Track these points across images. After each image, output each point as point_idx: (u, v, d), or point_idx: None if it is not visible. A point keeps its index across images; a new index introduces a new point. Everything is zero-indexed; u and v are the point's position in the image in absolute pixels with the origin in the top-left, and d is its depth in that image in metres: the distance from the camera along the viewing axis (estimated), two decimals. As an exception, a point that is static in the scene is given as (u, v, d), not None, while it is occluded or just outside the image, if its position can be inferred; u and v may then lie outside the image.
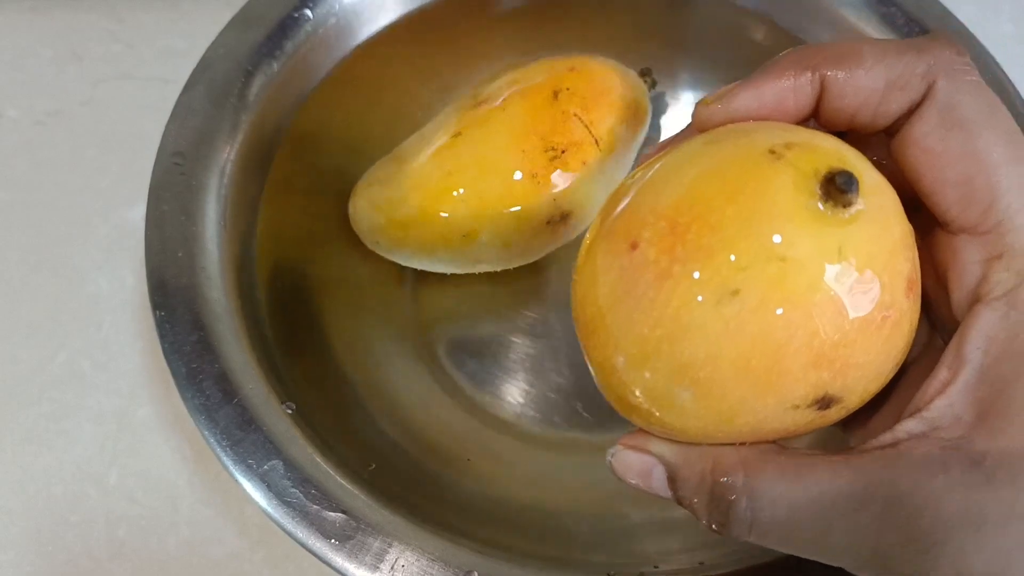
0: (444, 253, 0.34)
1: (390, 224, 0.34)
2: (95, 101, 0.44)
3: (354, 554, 0.24)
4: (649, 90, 0.38)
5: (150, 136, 0.32)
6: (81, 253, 0.40)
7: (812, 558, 0.19)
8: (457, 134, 0.34)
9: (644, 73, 0.38)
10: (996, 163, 0.18)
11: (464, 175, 0.33)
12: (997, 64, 0.33)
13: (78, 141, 0.43)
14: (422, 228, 0.34)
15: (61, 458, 0.35)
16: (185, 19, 0.45)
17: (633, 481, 0.21)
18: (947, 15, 0.34)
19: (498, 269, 0.35)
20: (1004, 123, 0.19)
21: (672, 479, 0.20)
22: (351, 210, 0.35)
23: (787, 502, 0.18)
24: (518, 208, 0.33)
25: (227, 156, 0.30)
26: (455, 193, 0.33)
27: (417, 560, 0.24)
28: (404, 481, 0.30)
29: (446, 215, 0.33)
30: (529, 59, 0.38)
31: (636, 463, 0.21)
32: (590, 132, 0.34)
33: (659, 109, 0.41)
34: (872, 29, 0.34)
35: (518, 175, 0.33)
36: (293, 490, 0.25)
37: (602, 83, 0.35)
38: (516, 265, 0.35)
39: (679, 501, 0.20)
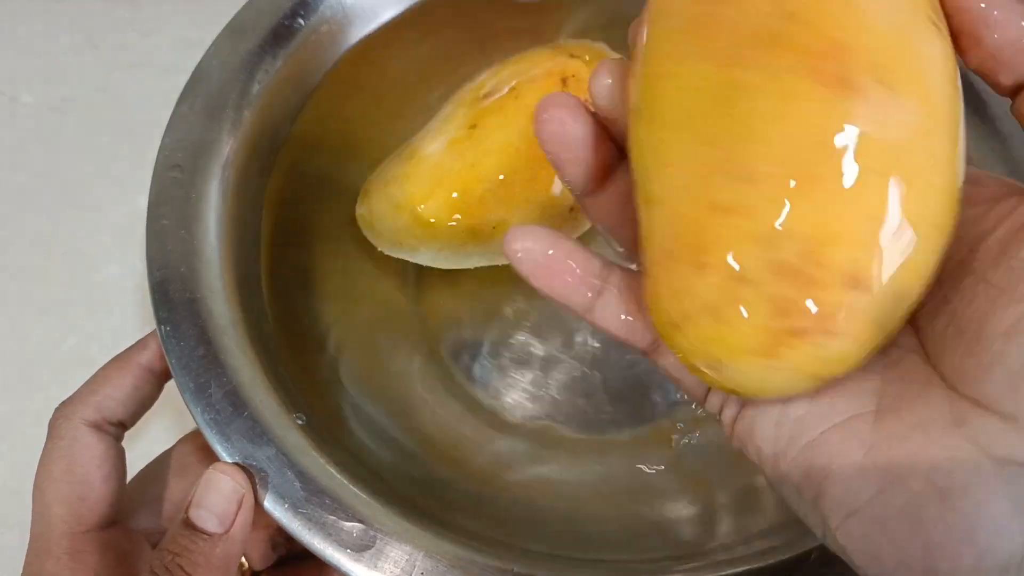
0: (474, 247, 0.34)
1: (416, 222, 0.33)
2: (110, 88, 0.44)
3: (372, 563, 0.24)
4: None
5: (163, 125, 0.32)
6: (93, 239, 0.40)
7: None
8: (473, 126, 0.33)
9: None
10: None
11: (489, 165, 0.33)
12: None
13: (92, 128, 0.43)
14: (451, 223, 0.33)
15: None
16: (200, 9, 0.45)
17: None
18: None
19: None
20: None
21: None
22: (364, 212, 0.35)
23: None
24: (545, 195, 0.33)
25: (225, 167, 0.30)
26: (482, 184, 0.33)
27: (436, 567, 0.24)
28: (417, 486, 0.30)
29: (475, 208, 0.33)
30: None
31: None
32: None
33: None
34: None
35: (542, 161, 0.33)
36: (308, 501, 0.25)
37: None
38: None
39: None
